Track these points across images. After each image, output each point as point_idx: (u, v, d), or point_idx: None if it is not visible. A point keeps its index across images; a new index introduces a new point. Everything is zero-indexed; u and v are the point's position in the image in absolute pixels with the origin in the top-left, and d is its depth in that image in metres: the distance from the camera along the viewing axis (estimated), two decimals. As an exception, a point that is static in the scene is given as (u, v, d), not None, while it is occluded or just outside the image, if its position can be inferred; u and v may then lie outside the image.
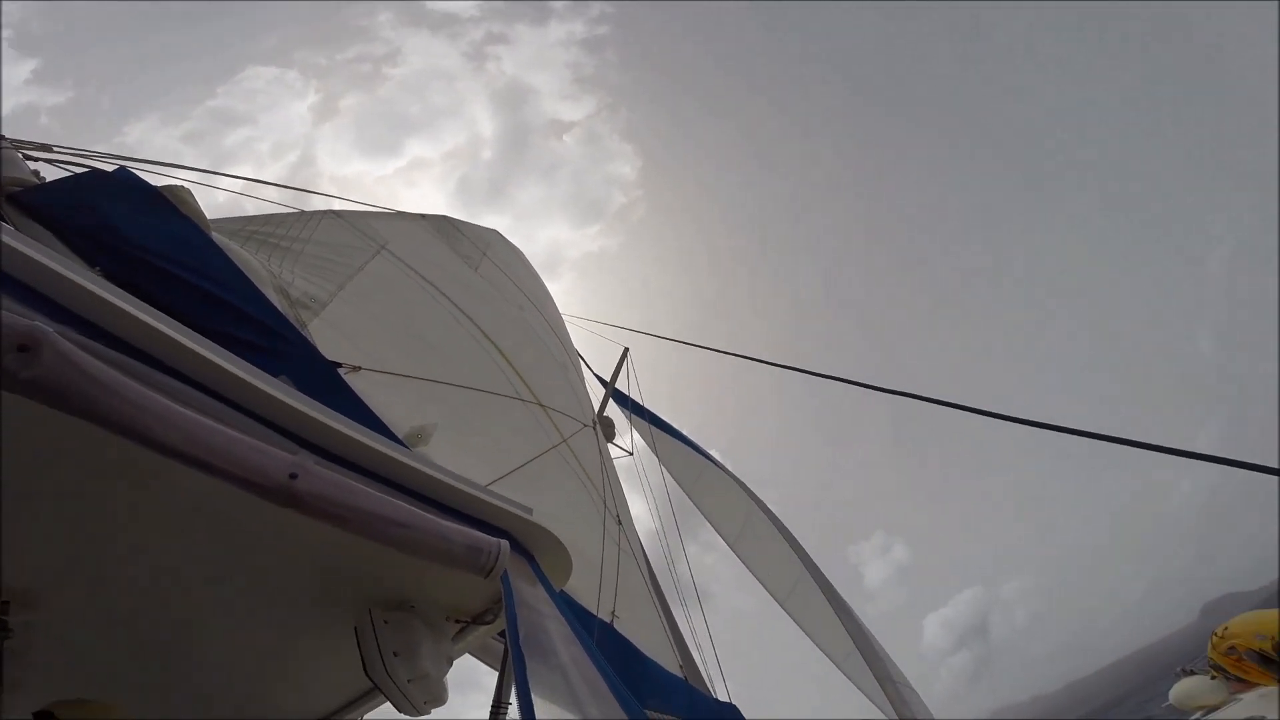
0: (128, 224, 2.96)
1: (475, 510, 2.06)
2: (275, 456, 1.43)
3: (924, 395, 3.64)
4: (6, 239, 1.27)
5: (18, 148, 3.47)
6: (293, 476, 1.41)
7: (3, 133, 3.26)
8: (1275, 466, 2.00)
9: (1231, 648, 4.85)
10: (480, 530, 1.92)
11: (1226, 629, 5.01)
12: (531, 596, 2.00)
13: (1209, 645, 5.14)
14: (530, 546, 2.27)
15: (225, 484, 1.37)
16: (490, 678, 2.90)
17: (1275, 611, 5.03)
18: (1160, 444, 2.50)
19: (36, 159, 3.56)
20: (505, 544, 1.93)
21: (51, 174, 3.49)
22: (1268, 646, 4.62)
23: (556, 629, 1.91)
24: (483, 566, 1.84)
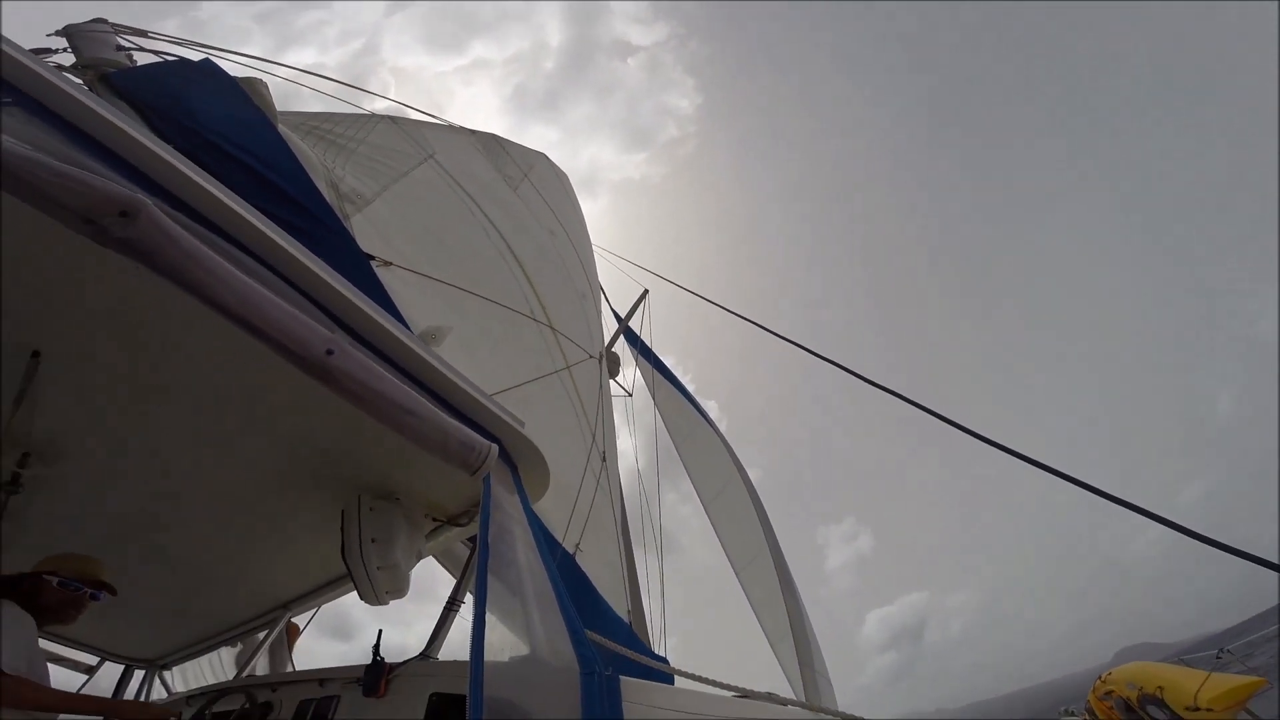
0: (204, 109, 3.23)
1: (473, 412, 2.19)
2: (316, 331, 1.58)
3: (914, 400, 3.65)
4: (116, 121, 1.46)
5: (118, 32, 3.79)
6: (329, 353, 1.56)
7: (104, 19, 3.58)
8: (1222, 541, 2.15)
9: (1109, 693, 5.03)
10: (475, 431, 2.07)
11: (1109, 675, 5.19)
12: (507, 502, 2.13)
13: (1091, 689, 5.33)
14: (515, 457, 2.40)
15: (266, 351, 1.53)
16: (444, 587, 3.08)
17: (1158, 665, 5.18)
18: (1128, 499, 2.54)
19: (132, 46, 3.85)
20: (495, 448, 2.08)
21: (143, 59, 3.85)
22: (1134, 697, 4.77)
23: (522, 535, 2.04)
24: (471, 464, 2.00)
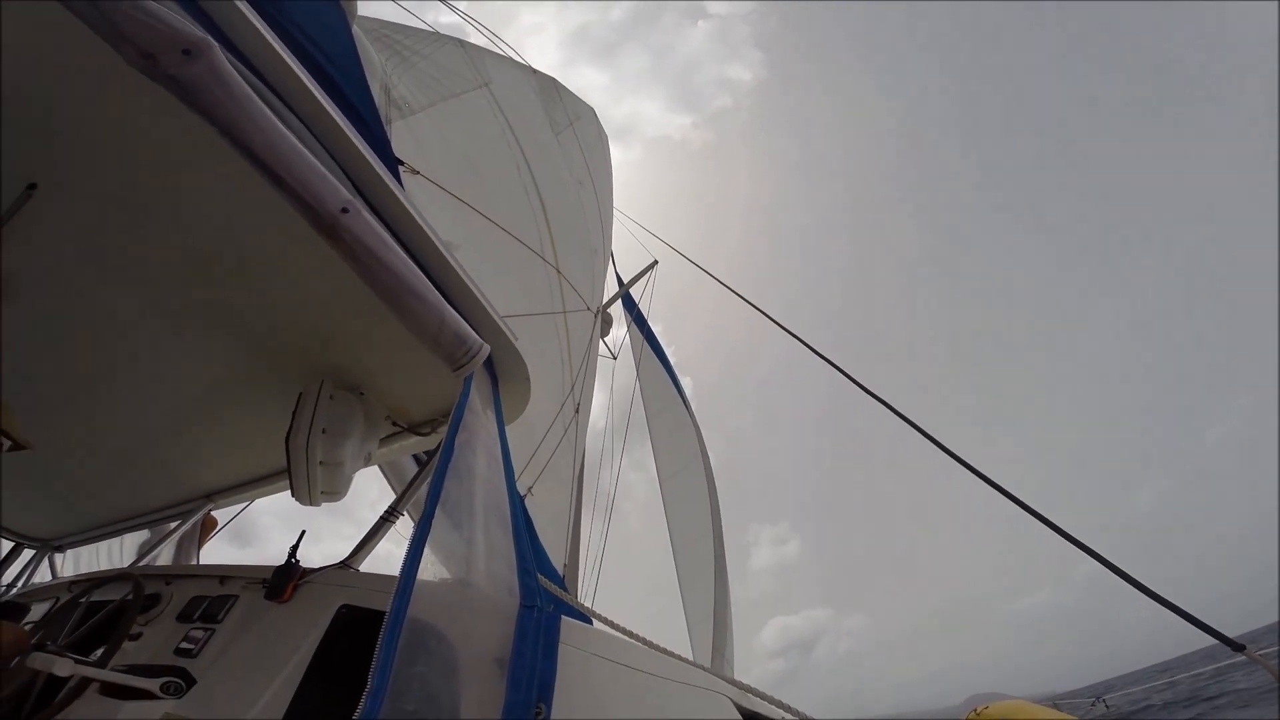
0: (292, 2, 3.27)
1: (469, 311, 2.08)
2: (335, 189, 1.55)
3: (896, 409, 3.41)
4: None
5: None
6: (344, 210, 1.53)
7: None
8: (1134, 579, 2.17)
9: None
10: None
11: (986, 709, 5.43)
12: (482, 412, 2.01)
13: None
14: (500, 370, 2.27)
15: (279, 206, 1.51)
16: (366, 507, 2.81)
17: (1033, 705, 5.46)
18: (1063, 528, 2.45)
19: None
20: (487, 347, 2.00)
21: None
22: None
23: (489, 449, 1.90)
24: (458, 359, 1.91)
